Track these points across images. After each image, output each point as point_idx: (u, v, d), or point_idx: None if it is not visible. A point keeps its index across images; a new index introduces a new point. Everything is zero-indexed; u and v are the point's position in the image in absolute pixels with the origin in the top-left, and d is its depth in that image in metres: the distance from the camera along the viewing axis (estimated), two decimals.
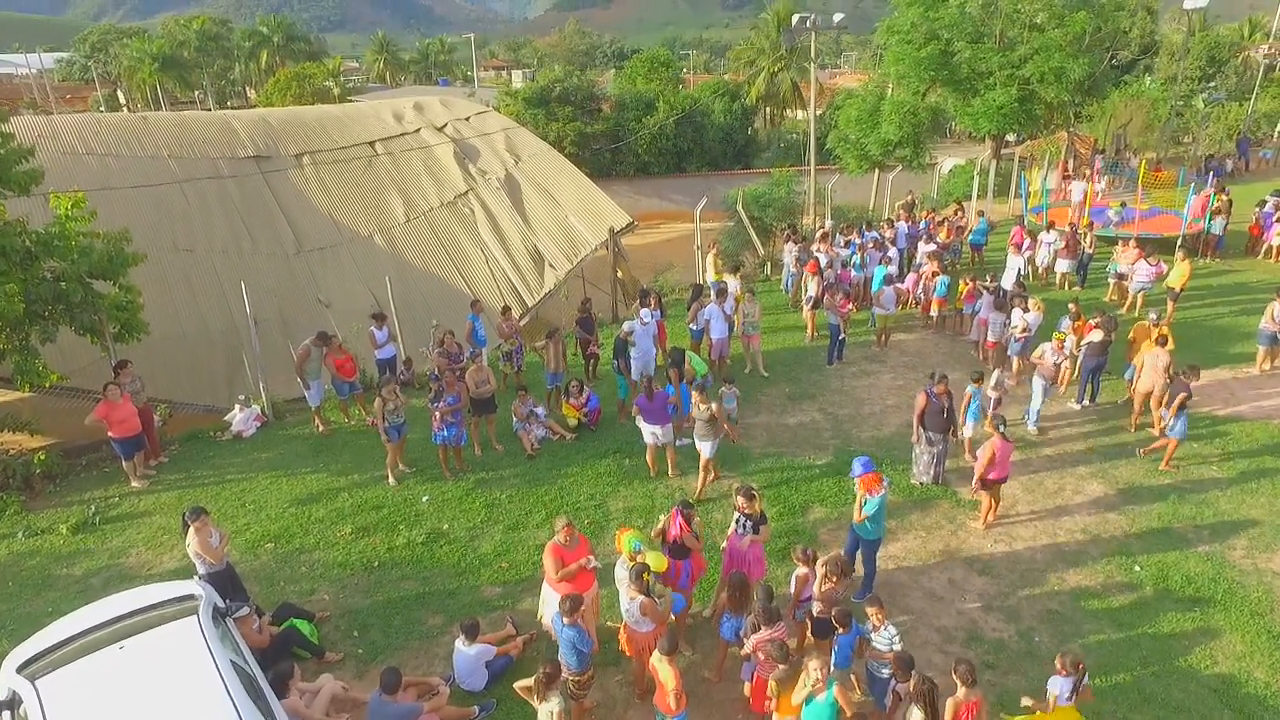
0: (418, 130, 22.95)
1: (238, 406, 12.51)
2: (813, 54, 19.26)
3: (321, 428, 12.42)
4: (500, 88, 52.04)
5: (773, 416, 12.70)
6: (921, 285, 16.39)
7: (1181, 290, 15.96)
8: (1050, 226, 19.97)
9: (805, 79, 49.36)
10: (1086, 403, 12.69)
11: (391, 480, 10.72)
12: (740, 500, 7.83)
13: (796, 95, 49.30)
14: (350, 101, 44.75)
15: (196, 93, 71.02)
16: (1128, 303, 16.79)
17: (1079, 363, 12.77)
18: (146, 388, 11.59)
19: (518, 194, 21.17)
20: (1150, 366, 11.58)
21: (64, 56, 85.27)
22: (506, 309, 13.85)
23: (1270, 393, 13.13)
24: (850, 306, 14.54)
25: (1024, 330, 13.25)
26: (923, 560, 9.19)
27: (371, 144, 21.84)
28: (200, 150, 19.17)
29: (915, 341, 15.68)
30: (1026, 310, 13.15)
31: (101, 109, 57.97)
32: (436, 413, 10.53)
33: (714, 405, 10.33)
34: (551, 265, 19.27)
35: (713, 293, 13.65)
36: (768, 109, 51.11)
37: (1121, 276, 17.14)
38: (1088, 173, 27.55)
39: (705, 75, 74.31)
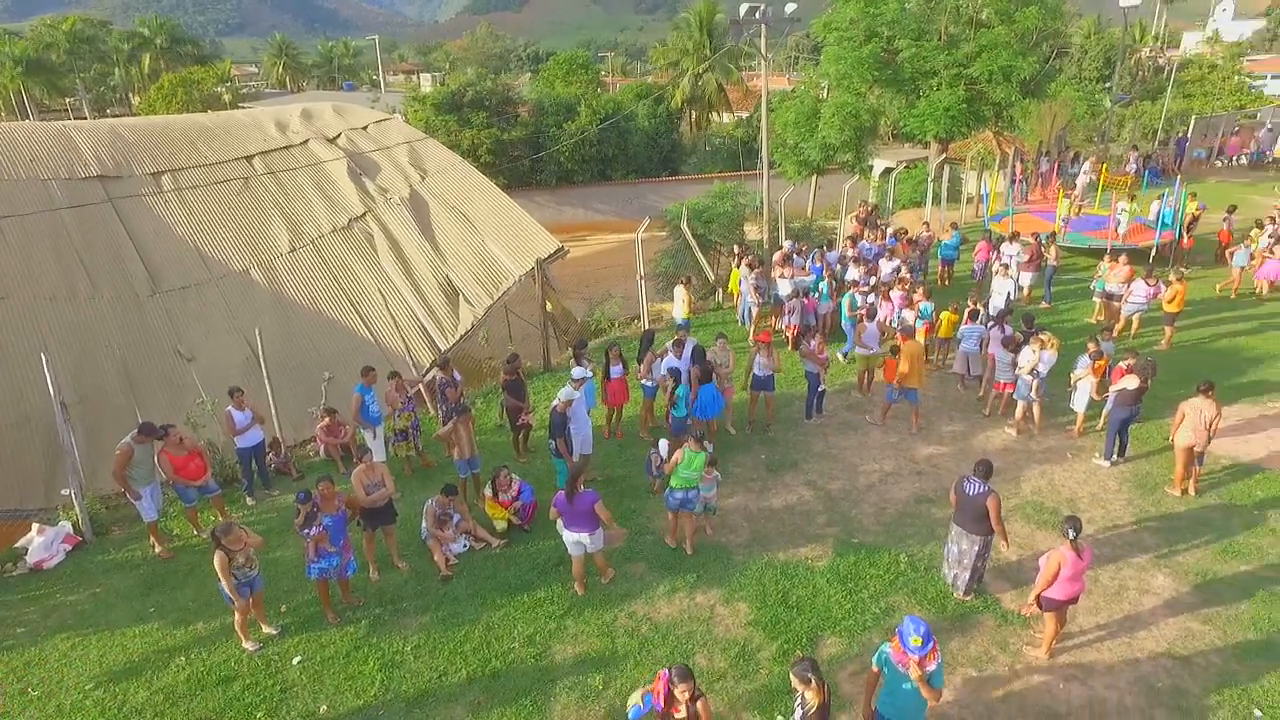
0: (305, 142, 19.61)
1: (35, 529, 9.18)
2: (763, 49, 16.97)
3: (159, 549, 9.25)
4: (409, 92, 48.36)
5: (751, 496, 10.22)
6: (897, 312, 14.26)
7: (1178, 313, 14.35)
8: (1014, 237, 18.28)
9: (730, 81, 47.71)
10: (1116, 458, 10.70)
11: (248, 645, 7.71)
12: (795, 679, 5.50)
13: (722, 98, 47.42)
14: (243, 108, 40.51)
15: (70, 100, 64.32)
16: (1119, 325, 15.09)
17: (1106, 412, 10.79)
18: None
19: (425, 216, 18.11)
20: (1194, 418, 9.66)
21: None
22: (395, 375, 10.95)
23: None
24: (827, 354, 12.23)
25: (1031, 371, 11.22)
26: (980, 716, 6.84)
27: (249, 159, 18.41)
28: (26, 170, 15.46)
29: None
30: (1041, 347, 11.10)
31: None
32: (310, 541, 7.63)
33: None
34: (468, 301, 16.34)
35: (671, 341, 11.09)
36: (693, 113, 49.11)
37: (1110, 296, 15.46)
38: (1030, 172, 26.33)
39: (624, 78, 72.10)
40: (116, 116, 41.67)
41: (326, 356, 14.48)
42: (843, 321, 14.40)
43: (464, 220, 18.52)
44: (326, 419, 11.22)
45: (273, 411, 11.78)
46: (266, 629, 7.85)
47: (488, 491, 9.55)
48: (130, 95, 72.34)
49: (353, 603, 8.29)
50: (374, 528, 8.58)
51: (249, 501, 10.46)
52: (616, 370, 11.14)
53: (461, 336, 15.73)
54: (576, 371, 10.26)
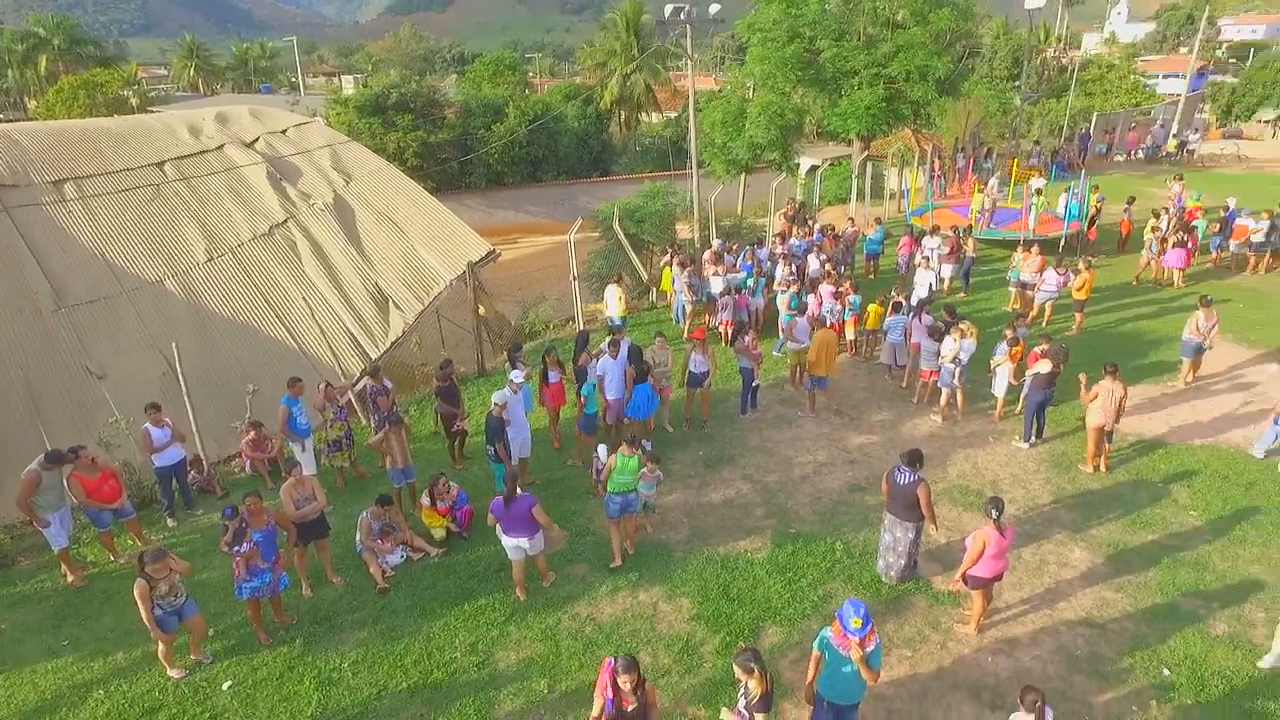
0: (220, 147, 18.86)
1: None
2: (689, 49, 17.15)
3: (71, 577, 8.75)
4: (330, 95, 46.98)
5: (690, 493, 10.32)
6: (825, 306, 14.59)
7: (1086, 300, 15.12)
8: (934, 230, 18.95)
9: (658, 81, 48.02)
10: (1034, 440, 11.21)
11: (173, 673, 7.37)
12: (738, 669, 5.59)
13: (650, 98, 47.67)
14: (153, 112, 38.59)
15: None
16: (1033, 312, 15.80)
17: (1023, 396, 11.29)
18: None
19: (350, 221, 17.65)
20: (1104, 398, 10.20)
21: None
22: (326, 384, 10.67)
23: (1205, 408, 12.23)
24: (760, 350, 12.42)
25: (954, 360, 11.65)
26: (916, 694, 7.08)
27: (160, 165, 17.60)
28: None
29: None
30: (961, 336, 11.53)
31: None
32: (240, 559, 7.36)
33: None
34: (398, 307, 15.99)
35: (607, 342, 11.08)
36: (622, 113, 49.22)
37: (1024, 285, 16.17)
38: (948, 169, 27.32)
39: (552, 79, 71.75)
40: (11, 121, 39.24)
41: (250, 368, 13.97)
42: (782, 319, 14.62)
43: (391, 225, 18.13)
44: (252, 433, 10.85)
45: (193, 427, 11.30)
46: (194, 656, 7.52)
47: (425, 500, 9.37)
48: (25, 99, 68.20)
49: (286, 621, 8.03)
50: (306, 542, 8.32)
51: (170, 523, 10.01)
52: (554, 375, 11.06)
53: (392, 344, 15.39)
54: (513, 375, 10.17)
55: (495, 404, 9.54)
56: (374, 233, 17.70)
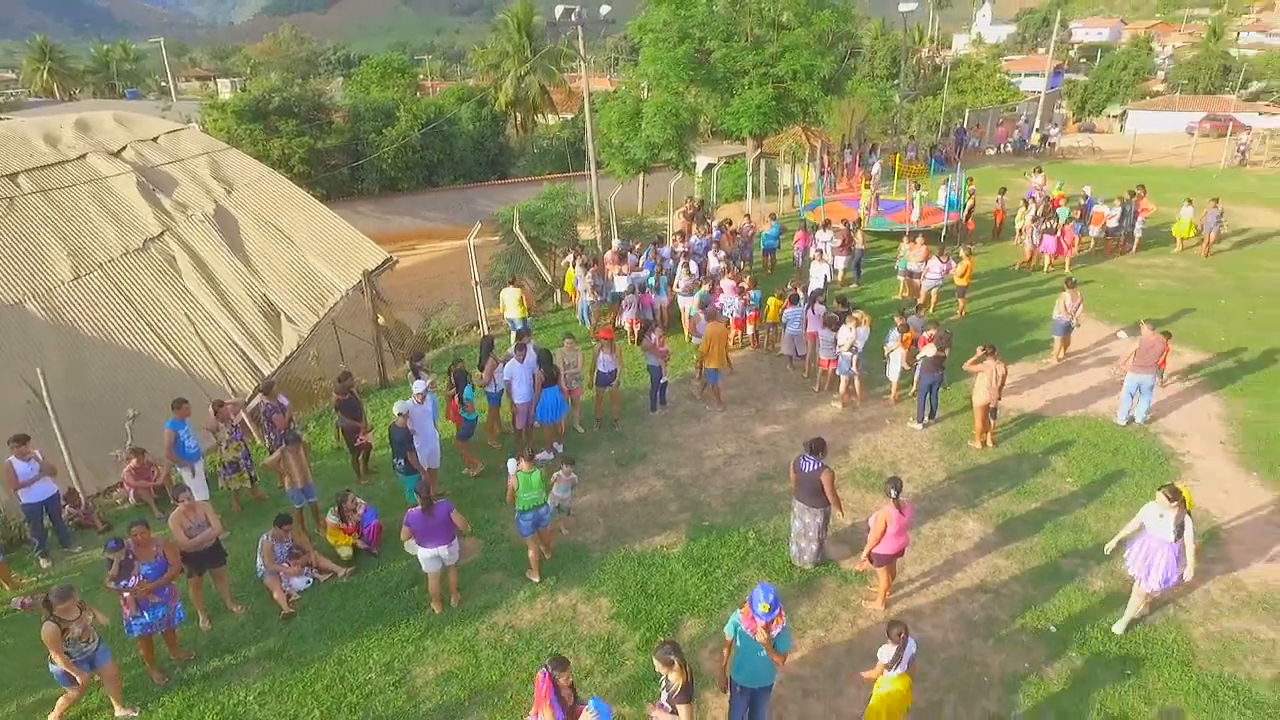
0: (83, 156, 17.54)
1: None
2: (581, 50, 17.15)
3: None
4: (205, 100, 44.36)
5: (605, 492, 10.35)
6: (727, 301, 14.92)
7: (968, 286, 16.08)
8: (826, 224, 19.69)
9: (553, 82, 47.80)
10: (927, 420, 11.83)
11: None
12: (658, 663, 5.64)
13: (546, 99, 47.40)
14: (2, 120, 35.31)
15: None
16: (920, 299, 16.68)
17: (915, 379, 11.89)
18: None
19: (234, 232, 16.74)
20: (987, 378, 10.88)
21: None
22: (219, 405, 10.13)
23: (1075, 382, 13.22)
24: (667, 347, 12.58)
25: (851, 348, 12.15)
26: (830, 671, 7.35)
27: (13, 176, 16.22)
28: None
29: (735, 367, 14.15)
30: (856, 324, 12.04)
31: None
32: (127, 595, 6.88)
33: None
34: (291, 320, 15.30)
35: (513, 346, 10.97)
36: (518, 115, 48.72)
37: (911, 273, 17.03)
38: (836, 164, 28.44)
39: (444, 82, 70.23)
40: None
41: (129, 392, 13.04)
42: (689, 315, 14.82)
43: (279, 235, 17.34)
44: (133, 460, 10.17)
45: (66, 458, 10.48)
46: (121, 711, 6.93)
47: (331, 519, 9.03)
48: None
49: (183, 658, 7.56)
50: (201, 572, 7.86)
51: (44, 564, 9.28)
52: (468, 391, 10.78)
53: (287, 359, 14.72)
54: (416, 385, 9.92)
55: (398, 414, 9.29)
56: (261, 244, 16.88)
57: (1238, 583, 8.37)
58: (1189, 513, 7.27)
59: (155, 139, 19.30)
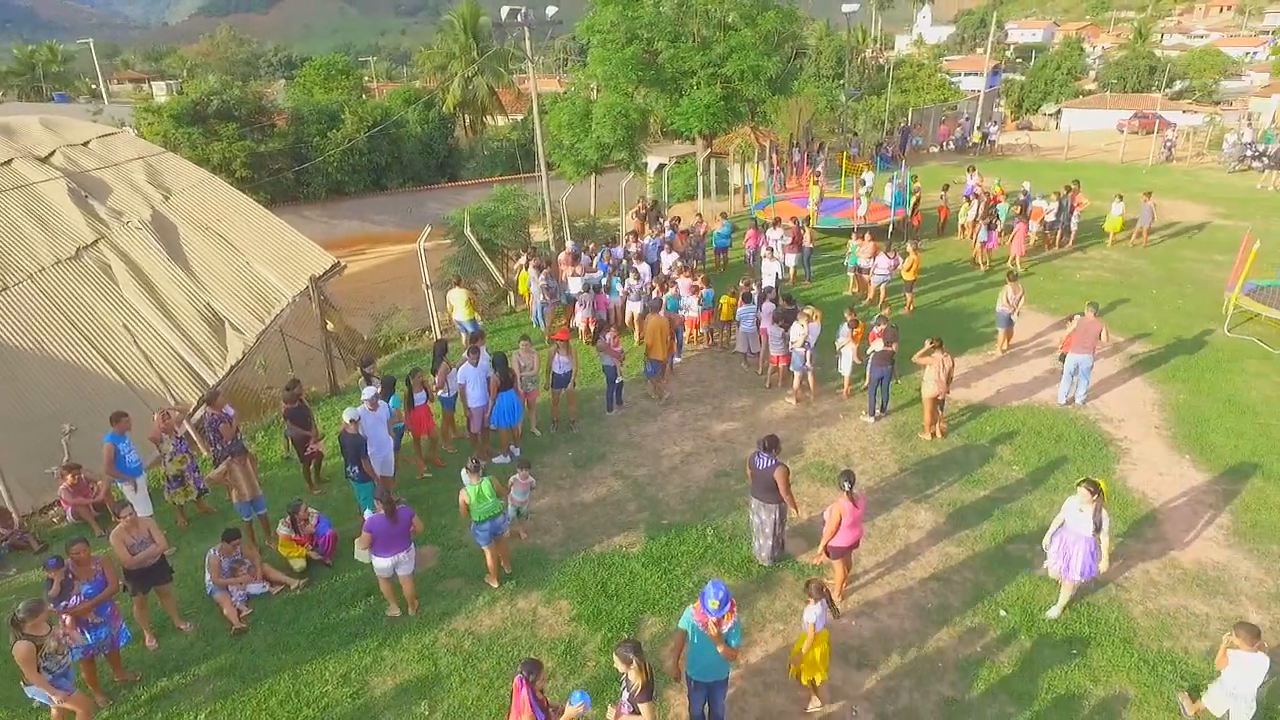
0: (8, 162, 16.81)
1: None
2: (529, 51, 17.08)
3: None
4: (139, 103, 42.83)
5: (563, 494, 10.32)
6: (683, 300, 15.01)
7: (915, 280, 16.44)
8: (777, 223, 19.92)
9: (502, 84, 47.42)
10: (879, 414, 12.06)
11: None
12: (618, 662, 5.63)
13: (495, 101, 47.00)
14: None
15: None
16: (869, 295, 17.01)
17: (867, 372, 12.11)
18: None
19: (174, 239, 16.22)
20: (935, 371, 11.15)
21: None
22: (164, 414, 9.83)
23: (1019, 372, 13.62)
24: (622, 347, 12.60)
25: (803, 344, 12.33)
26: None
27: None
28: None
29: (690, 365, 14.27)
30: (808, 320, 12.21)
31: None
32: (66, 618, 6.61)
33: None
34: (236, 328, 14.89)
35: (466, 350, 10.86)
36: (466, 117, 48.24)
37: (860, 269, 17.34)
38: (785, 163, 28.81)
39: (390, 83, 69.08)
40: None
41: (64, 407, 12.53)
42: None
43: (221, 241, 16.86)
44: (70, 477, 9.79)
45: None
46: None
47: (283, 530, 8.82)
48: None
49: (128, 679, 7.31)
50: (146, 590, 7.61)
51: None
52: (420, 397, 10.62)
53: (232, 368, 14.31)
54: (366, 391, 9.76)
55: (348, 421, 9.12)
56: (202, 250, 16.39)
57: (1174, 561, 8.73)
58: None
59: (86, 143, 18.60)
